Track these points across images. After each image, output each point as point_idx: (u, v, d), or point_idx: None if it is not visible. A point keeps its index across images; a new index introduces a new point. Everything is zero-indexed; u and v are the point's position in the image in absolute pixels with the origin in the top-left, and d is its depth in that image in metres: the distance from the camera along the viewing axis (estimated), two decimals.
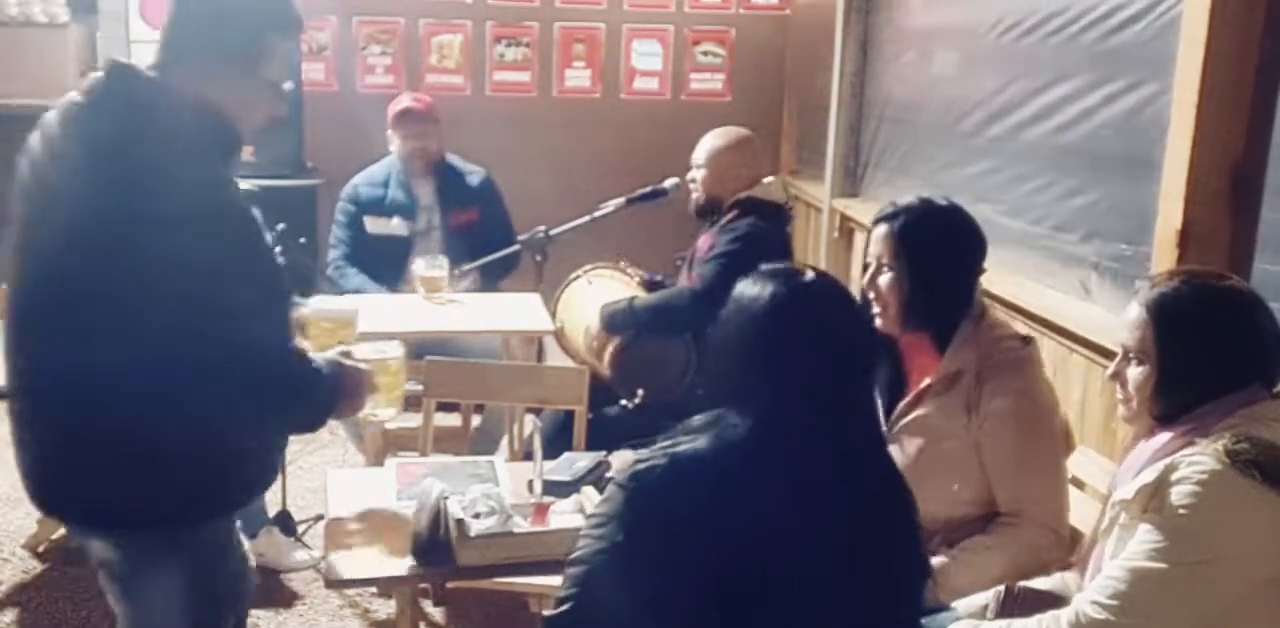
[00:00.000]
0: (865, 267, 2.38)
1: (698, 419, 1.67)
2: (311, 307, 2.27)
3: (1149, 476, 1.76)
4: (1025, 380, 2.27)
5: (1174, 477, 1.72)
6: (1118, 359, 1.90)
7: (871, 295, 2.34)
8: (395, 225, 4.19)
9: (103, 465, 1.86)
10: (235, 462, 1.99)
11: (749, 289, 1.68)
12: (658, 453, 1.63)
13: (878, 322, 2.33)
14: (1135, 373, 1.86)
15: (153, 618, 2.00)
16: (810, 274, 1.70)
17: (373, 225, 4.22)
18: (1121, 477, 1.89)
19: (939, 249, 2.30)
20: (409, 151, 4.19)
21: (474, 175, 4.33)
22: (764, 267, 1.73)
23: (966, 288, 2.33)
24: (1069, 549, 2.32)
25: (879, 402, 2.39)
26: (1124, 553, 1.76)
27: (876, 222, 2.36)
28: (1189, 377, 1.81)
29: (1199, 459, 1.71)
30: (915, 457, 2.29)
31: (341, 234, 4.25)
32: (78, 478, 1.90)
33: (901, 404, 2.36)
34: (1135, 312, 1.86)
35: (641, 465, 1.63)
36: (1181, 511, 1.70)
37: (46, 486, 1.95)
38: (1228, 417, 1.77)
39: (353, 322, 2.23)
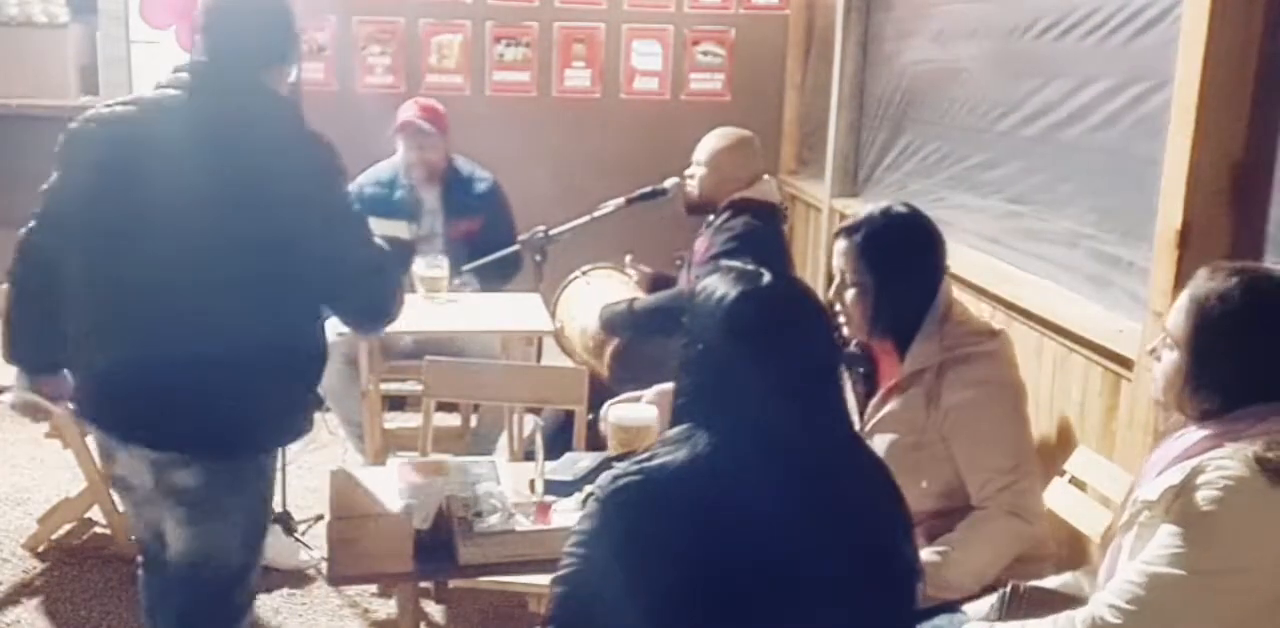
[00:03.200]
0: (830, 279, 2.44)
1: (673, 432, 1.66)
2: (614, 414, 2.53)
3: (1175, 476, 1.72)
4: (985, 372, 2.32)
5: (1199, 480, 1.68)
6: (1159, 338, 1.86)
7: (838, 307, 2.41)
8: (398, 228, 4.17)
9: (253, 393, 2.20)
10: (309, 396, 2.37)
11: (706, 298, 1.68)
12: (634, 468, 1.62)
13: (844, 330, 2.41)
14: (1168, 358, 1.81)
15: (222, 538, 2.30)
16: (767, 277, 1.68)
17: (376, 226, 4.21)
18: (1146, 473, 1.85)
19: (899, 261, 2.37)
20: (409, 162, 4.18)
21: (480, 183, 4.28)
22: (721, 270, 1.72)
23: (929, 292, 2.37)
24: (1055, 540, 2.34)
25: (855, 404, 2.43)
26: (1144, 555, 1.73)
27: (837, 234, 2.42)
28: (1220, 377, 1.76)
29: (1227, 464, 1.67)
30: (885, 453, 2.34)
31: None
32: (224, 407, 2.18)
33: (872, 403, 2.42)
34: (1183, 299, 1.80)
35: (619, 482, 1.61)
36: (1205, 517, 1.66)
37: (181, 418, 2.18)
38: (1262, 422, 1.72)
39: (652, 428, 2.46)
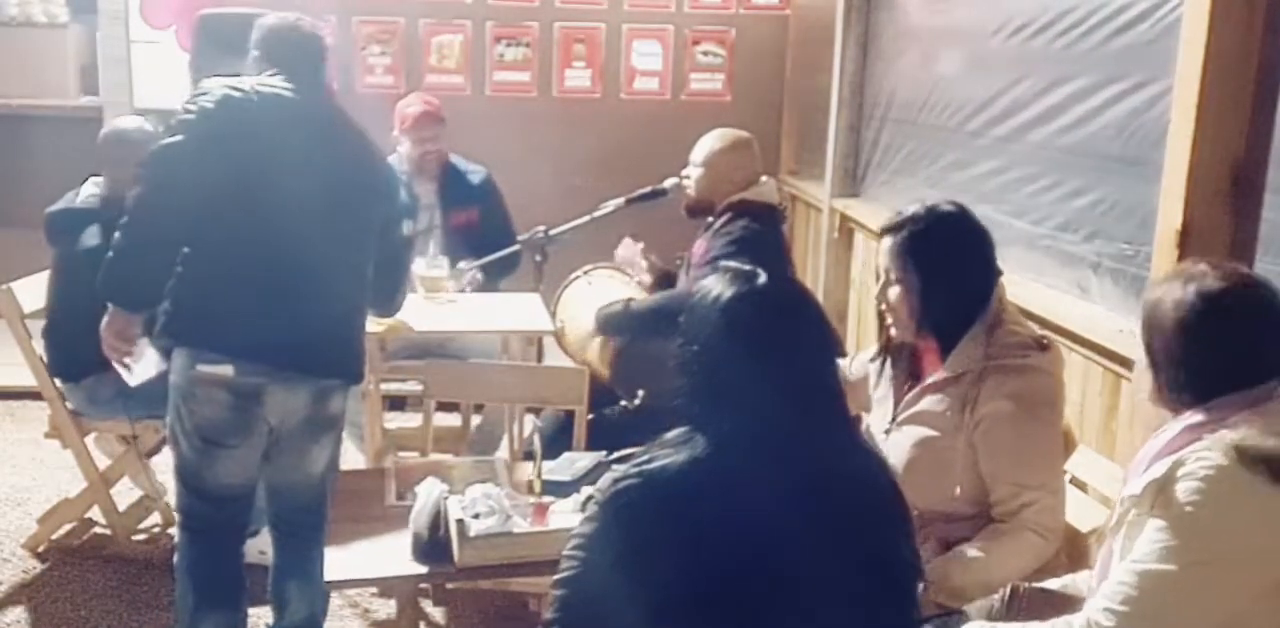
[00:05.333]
0: (877, 277, 2.40)
1: (673, 434, 1.66)
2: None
3: (1158, 470, 1.73)
4: (1025, 385, 2.26)
5: (1181, 472, 1.69)
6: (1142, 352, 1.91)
7: (883, 306, 2.37)
8: None
9: (357, 335, 2.84)
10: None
11: (703, 298, 1.68)
12: (634, 471, 1.62)
13: (891, 329, 2.37)
14: (1142, 364, 1.86)
15: (339, 449, 2.91)
16: (764, 278, 1.67)
17: None
18: (1132, 471, 1.86)
19: (945, 260, 2.31)
20: (422, 155, 4.16)
21: (474, 174, 4.31)
22: (717, 272, 1.71)
23: (977, 291, 2.33)
24: (1069, 553, 2.32)
25: (892, 395, 2.41)
26: (1133, 554, 1.73)
27: (883, 232, 2.38)
28: (1189, 375, 1.78)
29: (1206, 455, 1.68)
30: (910, 450, 2.32)
31: None
32: (356, 345, 2.82)
33: (906, 398, 2.38)
34: (1140, 309, 1.86)
35: (620, 484, 1.61)
36: (1189, 508, 1.67)
37: (342, 353, 2.78)
38: (1240, 412, 1.73)
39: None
